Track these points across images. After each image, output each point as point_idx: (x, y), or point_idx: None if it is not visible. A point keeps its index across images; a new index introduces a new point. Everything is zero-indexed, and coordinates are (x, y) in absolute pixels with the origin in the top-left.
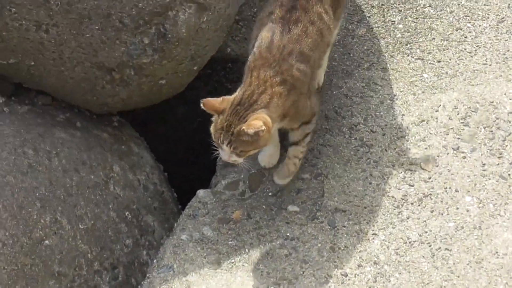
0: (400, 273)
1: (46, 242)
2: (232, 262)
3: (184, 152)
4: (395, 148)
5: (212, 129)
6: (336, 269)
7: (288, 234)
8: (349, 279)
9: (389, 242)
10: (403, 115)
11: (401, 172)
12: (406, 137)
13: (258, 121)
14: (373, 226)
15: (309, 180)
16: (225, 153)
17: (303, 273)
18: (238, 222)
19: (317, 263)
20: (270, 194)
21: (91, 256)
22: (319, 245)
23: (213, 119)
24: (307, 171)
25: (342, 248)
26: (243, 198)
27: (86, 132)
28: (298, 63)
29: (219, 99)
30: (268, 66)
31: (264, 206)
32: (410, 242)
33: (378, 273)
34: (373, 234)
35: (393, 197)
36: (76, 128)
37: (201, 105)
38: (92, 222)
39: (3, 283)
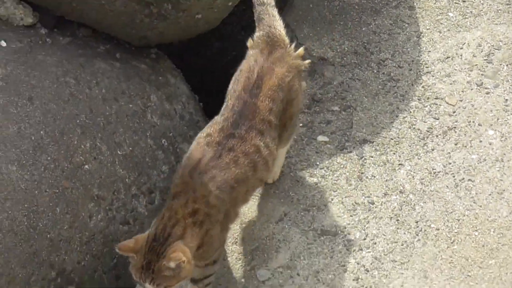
0: (425, 202)
1: (86, 166)
2: (264, 189)
3: (218, 85)
4: (421, 83)
5: (132, 269)
6: (363, 197)
7: (317, 163)
8: (375, 207)
9: (414, 172)
10: (429, 51)
11: (426, 106)
12: (431, 73)
13: (177, 253)
14: (399, 156)
15: (338, 112)
16: None
17: (332, 200)
18: None
19: (345, 191)
20: (301, 125)
21: (129, 181)
22: (347, 174)
23: (130, 259)
24: (337, 103)
25: (369, 177)
26: None
27: (125, 63)
28: (218, 191)
29: (133, 239)
30: (184, 193)
31: (295, 136)
32: (434, 173)
33: (404, 202)
34: (399, 165)
35: (418, 129)
36: (115, 59)
37: (117, 249)
38: (130, 148)
39: (44, 206)
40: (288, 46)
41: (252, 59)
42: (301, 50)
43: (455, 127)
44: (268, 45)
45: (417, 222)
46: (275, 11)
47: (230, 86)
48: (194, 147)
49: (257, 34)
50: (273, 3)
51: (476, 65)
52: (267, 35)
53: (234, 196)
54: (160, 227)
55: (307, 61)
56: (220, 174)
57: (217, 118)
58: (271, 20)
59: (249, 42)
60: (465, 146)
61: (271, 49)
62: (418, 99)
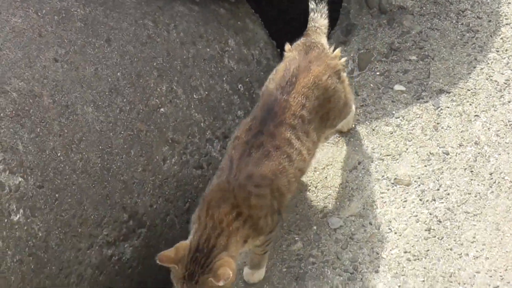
0: (500, 154)
1: (162, 109)
2: (339, 137)
3: (293, 33)
4: (499, 35)
5: (173, 278)
6: (438, 147)
7: (393, 112)
8: (450, 158)
9: (490, 124)
10: (509, 3)
11: (504, 58)
12: (510, 25)
13: (225, 270)
14: (476, 108)
15: (415, 62)
16: None
17: (407, 150)
18: None
19: (420, 141)
20: (378, 73)
21: (204, 125)
22: (423, 123)
23: (171, 269)
24: (414, 53)
25: (445, 127)
26: (351, 76)
27: (204, 7)
28: (256, 189)
29: (173, 249)
30: (225, 200)
31: (371, 85)
32: (510, 125)
33: (479, 153)
34: (475, 116)
35: (496, 81)
36: (194, 3)
37: (157, 260)
38: (206, 93)
39: (118, 148)
40: (326, 48)
41: (289, 59)
42: (337, 51)
43: None
44: (305, 46)
45: (491, 174)
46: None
47: (264, 87)
48: (225, 155)
49: (296, 41)
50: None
51: None
52: (306, 41)
53: (275, 188)
54: (204, 237)
55: (344, 59)
56: (255, 170)
57: (246, 120)
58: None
59: (287, 47)
60: None
61: (308, 50)
62: (497, 51)
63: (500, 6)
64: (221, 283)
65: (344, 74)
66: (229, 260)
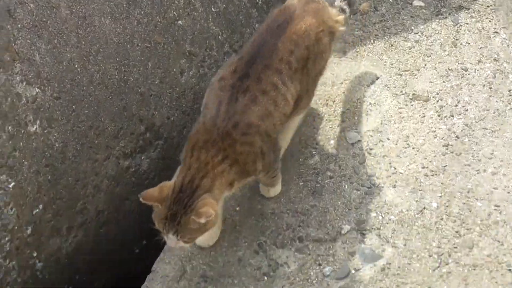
0: None
1: (179, 22)
2: (357, 51)
3: None
4: None
5: (155, 218)
6: (457, 64)
7: (412, 27)
8: (468, 74)
9: (509, 41)
10: None
11: None
12: None
13: (208, 208)
14: (495, 24)
15: None
16: (171, 242)
17: (425, 65)
18: (364, 14)
19: (439, 56)
20: None
21: (222, 38)
22: (442, 40)
23: (154, 208)
24: None
25: (464, 44)
26: None
27: None
28: (243, 137)
29: (157, 188)
30: (211, 143)
31: (390, 0)
32: None
33: (497, 70)
34: (494, 32)
35: None
36: None
37: (140, 198)
38: (224, 6)
39: (136, 60)
40: (327, 7)
41: (285, 5)
42: (341, 17)
43: None
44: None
45: (510, 90)
46: None
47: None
48: (210, 93)
49: None
50: None
51: None
52: None
53: (262, 132)
54: (188, 178)
55: (343, 28)
56: (242, 118)
57: (232, 59)
58: None
59: None
60: None
61: (308, 2)
62: None
63: None
64: (202, 220)
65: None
66: (211, 201)
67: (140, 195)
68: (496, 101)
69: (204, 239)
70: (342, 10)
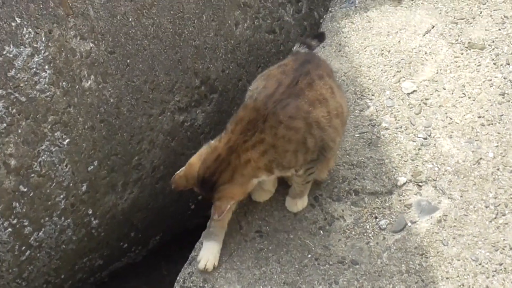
0: None
1: None
2: (412, 0)
3: None
4: None
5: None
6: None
7: None
8: None
9: None
10: None
11: None
12: None
13: (221, 203)
14: None
15: None
16: None
17: (481, 13)
18: None
19: (494, 3)
20: None
21: None
22: None
23: None
24: None
25: None
26: None
27: None
28: (289, 120)
29: (183, 172)
30: (252, 125)
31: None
32: None
33: None
34: None
35: None
36: None
37: (172, 187)
38: None
39: (190, 12)
40: None
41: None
42: None
43: None
44: None
45: None
46: None
47: None
48: (268, 77)
49: None
50: None
51: None
52: None
53: (311, 121)
54: (211, 170)
55: None
56: (293, 101)
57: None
58: None
59: None
60: None
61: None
62: None
63: None
64: (216, 217)
65: None
66: (229, 192)
67: (171, 182)
68: None
69: (259, 195)
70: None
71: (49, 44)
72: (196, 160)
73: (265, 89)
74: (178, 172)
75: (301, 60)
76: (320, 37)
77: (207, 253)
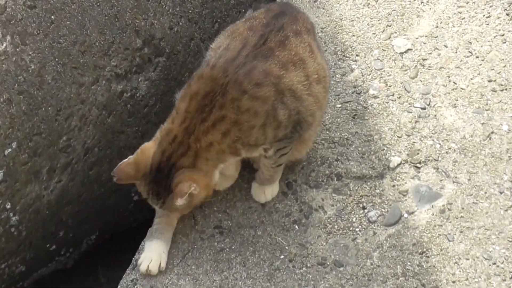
0: None
1: None
2: None
3: None
4: None
5: (138, 189)
6: None
7: None
8: None
9: None
10: None
11: None
12: None
13: (183, 186)
14: None
15: None
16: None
17: None
18: None
19: None
20: None
21: None
22: None
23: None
24: None
25: None
26: None
27: None
28: (254, 89)
29: (133, 161)
30: (209, 99)
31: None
32: None
33: None
34: None
35: None
36: None
37: (114, 179)
38: None
39: None
40: None
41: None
42: None
43: None
44: None
45: None
46: None
47: None
48: (232, 34)
49: None
50: None
51: None
52: None
53: (283, 88)
54: (167, 154)
55: None
56: (260, 64)
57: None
58: None
59: None
60: None
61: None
62: None
63: None
64: (179, 202)
65: None
66: (191, 176)
67: (113, 173)
68: None
69: (218, 182)
70: None
71: None
72: (150, 145)
73: (227, 51)
74: (125, 160)
75: (275, 12)
76: None
77: (150, 253)
